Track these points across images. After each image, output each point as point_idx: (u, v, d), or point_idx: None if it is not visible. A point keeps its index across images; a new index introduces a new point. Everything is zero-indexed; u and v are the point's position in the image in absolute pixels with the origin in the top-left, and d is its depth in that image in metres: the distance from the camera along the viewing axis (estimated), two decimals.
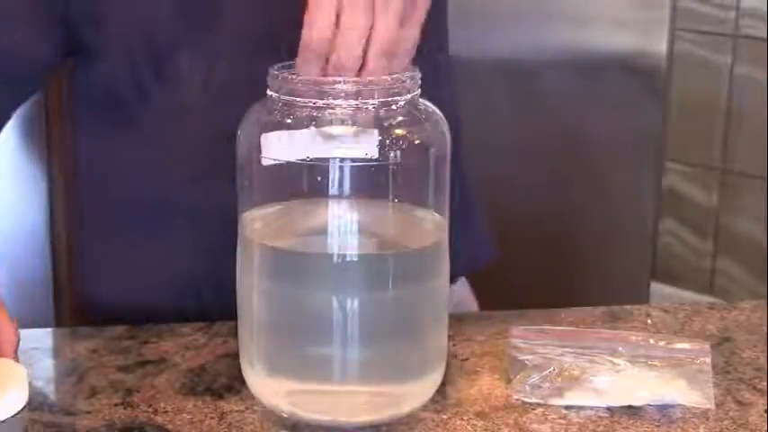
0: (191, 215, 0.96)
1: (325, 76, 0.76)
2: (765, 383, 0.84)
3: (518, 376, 0.82)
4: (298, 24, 0.88)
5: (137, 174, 0.97)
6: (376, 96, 0.74)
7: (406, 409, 0.78)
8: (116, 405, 0.80)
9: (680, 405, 0.80)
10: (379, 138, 0.74)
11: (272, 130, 0.75)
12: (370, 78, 0.75)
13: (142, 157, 0.97)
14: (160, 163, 0.96)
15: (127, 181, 0.98)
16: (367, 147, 0.74)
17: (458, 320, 0.90)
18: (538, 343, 0.86)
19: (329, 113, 0.74)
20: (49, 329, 0.91)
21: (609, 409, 0.80)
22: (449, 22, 1.04)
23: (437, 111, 0.78)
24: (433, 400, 0.80)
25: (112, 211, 1.00)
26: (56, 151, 1.66)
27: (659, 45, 1.89)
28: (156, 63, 0.94)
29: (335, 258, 0.75)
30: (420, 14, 0.79)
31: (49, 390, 0.82)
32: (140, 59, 0.94)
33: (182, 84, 0.94)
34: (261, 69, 0.85)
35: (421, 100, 0.77)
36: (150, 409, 0.79)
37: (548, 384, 0.82)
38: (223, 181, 0.89)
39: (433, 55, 0.93)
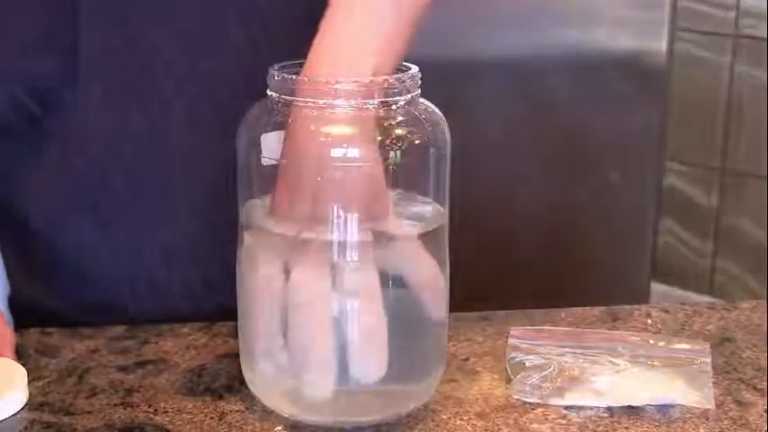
0: (87, 245, 0.96)
1: None
2: (765, 383, 0.84)
3: (518, 376, 0.82)
4: (173, 71, 0.89)
5: (34, 202, 0.96)
6: (376, 96, 0.74)
7: (406, 409, 0.78)
8: (116, 405, 0.80)
9: (680, 405, 0.80)
10: (380, 138, 0.74)
11: (272, 131, 0.75)
12: (370, 78, 0.75)
13: (37, 185, 0.96)
14: (54, 192, 0.95)
15: (26, 209, 0.97)
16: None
17: (458, 320, 0.90)
18: (538, 343, 0.86)
19: (329, 113, 0.74)
20: (50, 329, 0.91)
21: (609, 409, 0.80)
22: (449, 23, 1.03)
23: (437, 111, 0.77)
24: (433, 400, 0.80)
25: (15, 243, 0.99)
26: None
27: (659, 45, 1.89)
28: (38, 98, 0.93)
29: (335, 258, 0.74)
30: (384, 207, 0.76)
31: (49, 390, 0.82)
32: (22, 97, 0.93)
33: (66, 115, 0.93)
34: (135, 114, 0.87)
35: (421, 100, 0.77)
36: (150, 409, 0.79)
37: (548, 384, 0.81)
38: (117, 211, 0.90)
39: None
